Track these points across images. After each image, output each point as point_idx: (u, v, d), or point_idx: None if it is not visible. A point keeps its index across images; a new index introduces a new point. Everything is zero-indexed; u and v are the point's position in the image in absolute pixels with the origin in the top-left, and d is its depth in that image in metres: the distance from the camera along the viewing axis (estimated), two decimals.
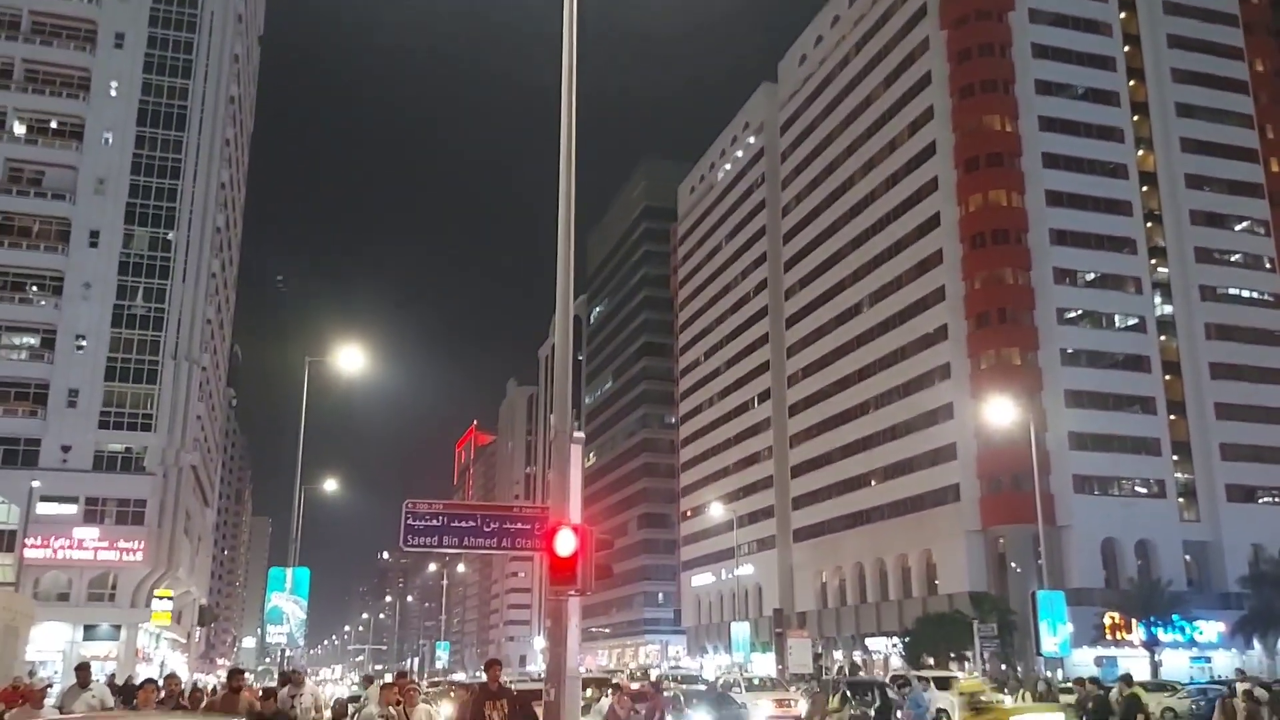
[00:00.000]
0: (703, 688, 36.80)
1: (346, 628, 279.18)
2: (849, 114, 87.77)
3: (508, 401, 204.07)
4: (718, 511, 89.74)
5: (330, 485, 45.24)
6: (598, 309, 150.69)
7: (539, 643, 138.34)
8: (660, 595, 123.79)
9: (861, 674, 61.30)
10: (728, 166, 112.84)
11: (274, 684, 23.85)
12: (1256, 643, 62.58)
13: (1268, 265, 75.25)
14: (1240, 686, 21.22)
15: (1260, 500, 70.83)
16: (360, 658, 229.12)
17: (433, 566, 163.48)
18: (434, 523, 12.30)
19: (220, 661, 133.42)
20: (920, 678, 35.18)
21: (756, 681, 43.82)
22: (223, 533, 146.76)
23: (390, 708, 12.16)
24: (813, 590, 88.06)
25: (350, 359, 29.18)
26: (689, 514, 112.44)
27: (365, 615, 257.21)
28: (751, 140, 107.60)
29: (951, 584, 69.19)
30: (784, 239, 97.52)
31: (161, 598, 62.32)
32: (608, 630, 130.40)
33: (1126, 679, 21.00)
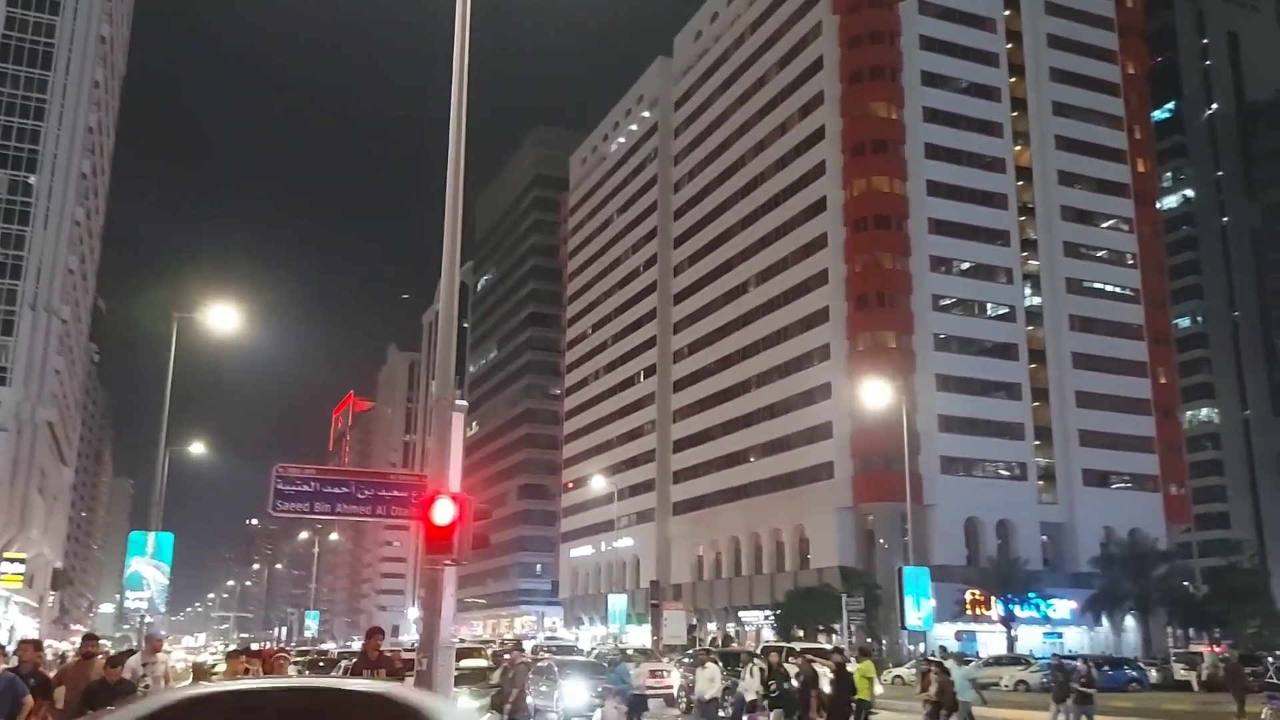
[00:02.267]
0: (580, 659, 36.93)
1: (211, 595, 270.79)
2: (742, 94, 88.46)
3: (388, 368, 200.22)
4: (599, 484, 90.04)
5: (198, 448, 43.53)
6: (485, 277, 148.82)
7: (412, 612, 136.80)
8: (538, 566, 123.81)
9: (734, 645, 62.52)
10: (621, 139, 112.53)
11: (124, 650, 22.83)
12: (1104, 620, 66.26)
13: (1129, 261, 79.16)
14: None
15: (1113, 485, 74.84)
16: (225, 625, 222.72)
17: (304, 534, 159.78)
18: (306, 488, 11.90)
19: (75, 627, 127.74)
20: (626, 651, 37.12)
21: (631, 653, 44.17)
22: (80, 494, 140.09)
23: (239, 677, 11.72)
24: (689, 563, 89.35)
25: (222, 317, 28.02)
26: (570, 486, 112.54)
27: (231, 582, 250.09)
28: (645, 114, 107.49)
29: (822, 559, 71.09)
30: (674, 215, 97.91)
31: (11, 560, 59.20)
32: (483, 601, 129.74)
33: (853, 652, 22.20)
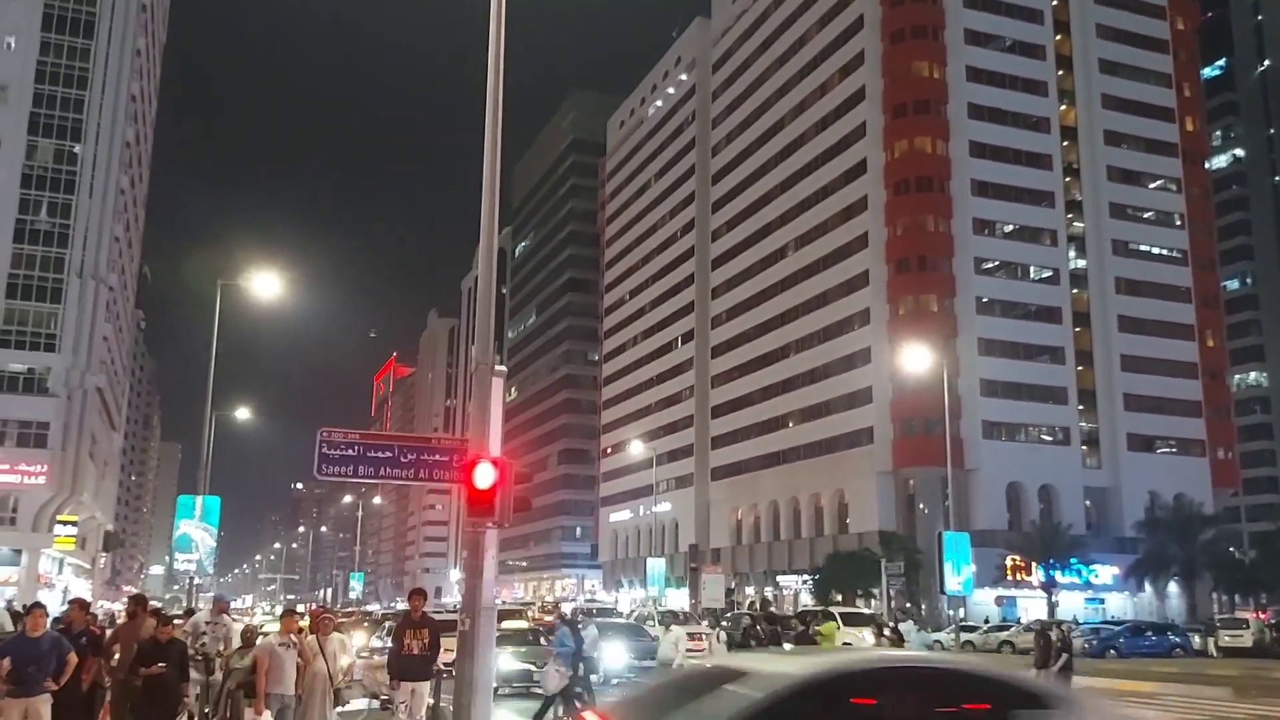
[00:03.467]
0: (620, 621, 37.30)
1: (258, 557, 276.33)
2: (781, 55, 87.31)
3: (428, 333, 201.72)
4: (638, 449, 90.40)
5: (243, 413, 44.28)
6: (523, 243, 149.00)
7: (455, 575, 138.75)
8: (578, 530, 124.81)
9: (772, 609, 62.84)
10: (659, 103, 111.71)
11: (186, 610, 23.38)
12: (1148, 586, 65.67)
13: (1177, 223, 77.55)
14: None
15: (1158, 450, 73.84)
16: (272, 587, 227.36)
17: (348, 497, 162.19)
18: (350, 452, 12.04)
19: (126, 589, 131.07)
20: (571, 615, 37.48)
21: (669, 615, 44.54)
22: (130, 458, 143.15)
23: (292, 635, 11.96)
24: (728, 527, 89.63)
25: (265, 284, 28.38)
26: (609, 451, 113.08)
27: (278, 545, 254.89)
28: (684, 77, 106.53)
29: (862, 523, 71.00)
30: (713, 179, 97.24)
31: (65, 523, 60.78)
32: (524, 564, 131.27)
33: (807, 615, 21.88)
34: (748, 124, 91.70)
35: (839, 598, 60.19)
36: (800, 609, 51.86)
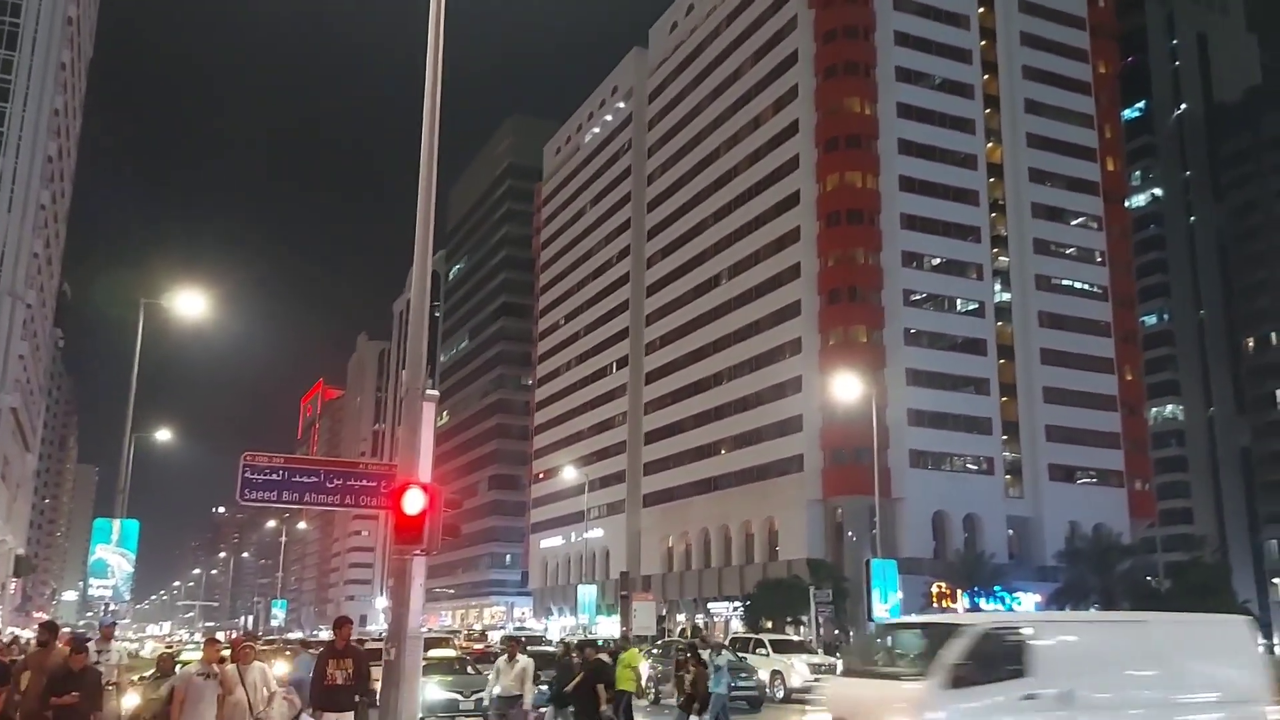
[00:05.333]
0: (552, 650, 36.90)
1: (177, 583, 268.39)
2: (716, 87, 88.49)
3: (357, 356, 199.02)
4: (570, 475, 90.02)
5: (164, 435, 43.07)
6: (457, 266, 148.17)
7: (380, 602, 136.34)
8: (508, 557, 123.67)
9: (703, 636, 62.80)
10: (595, 130, 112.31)
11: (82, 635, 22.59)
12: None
13: (1098, 260, 79.99)
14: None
15: (1078, 481, 75.69)
16: (190, 614, 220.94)
17: (271, 523, 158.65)
18: (274, 477, 11.85)
19: (37, 615, 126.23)
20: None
21: (601, 643, 44.24)
22: (44, 480, 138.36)
23: (213, 665, 11.66)
24: (659, 554, 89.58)
25: (189, 303, 27.72)
26: (541, 476, 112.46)
27: (197, 570, 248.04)
28: (620, 105, 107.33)
29: (792, 551, 71.49)
30: (648, 207, 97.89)
31: None
32: (452, 591, 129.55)
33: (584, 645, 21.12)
34: (683, 153, 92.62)
35: (769, 625, 60.41)
36: (731, 636, 51.92)
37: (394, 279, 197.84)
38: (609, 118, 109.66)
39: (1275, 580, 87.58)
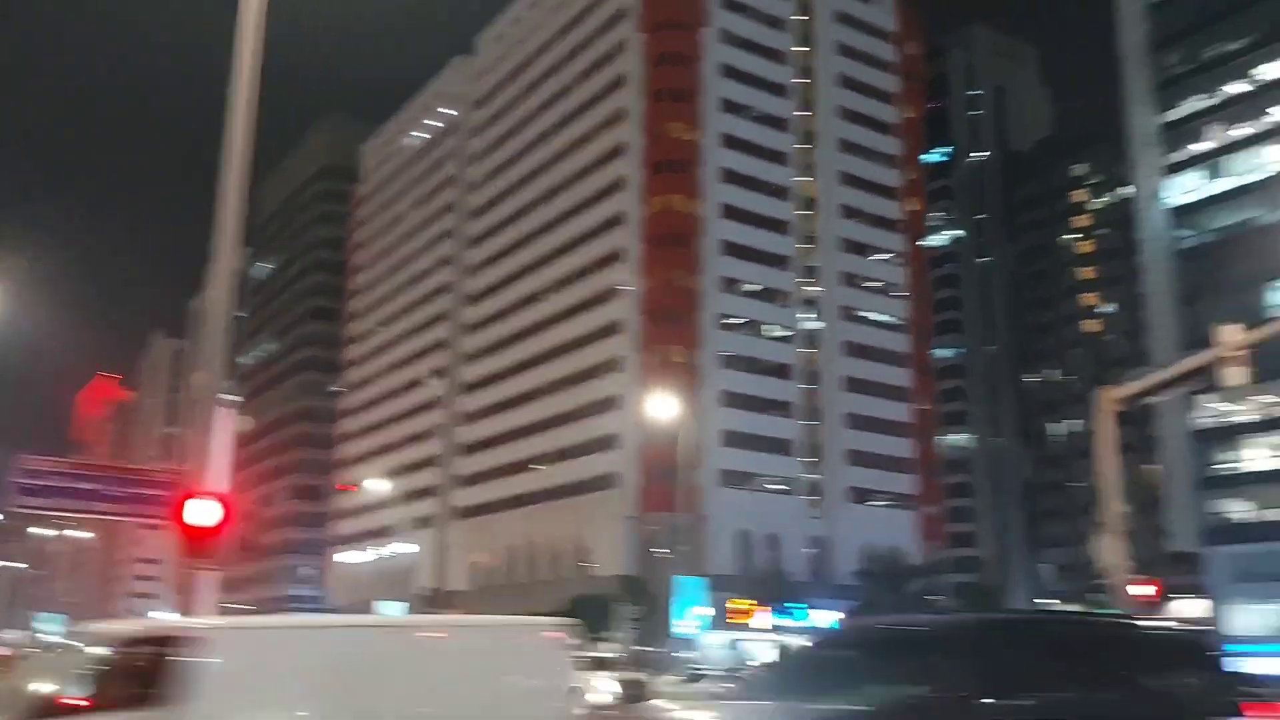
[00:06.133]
0: None
1: None
2: (545, 101, 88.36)
3: (151, 355, 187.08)
4: (377, 487, 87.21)
5: None
6: (264, 266, 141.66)
7: (166, 618, 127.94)
8: (307, 571, 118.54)
9: None
10: (417, 135, 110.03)
11: None
12: None
13: (898, 293, 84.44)
14: None
15: (872, 503, 79.31)
16: None
17: (37, 530, 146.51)
18: (52, 483, 10.74)
19: None
20: None
21: None
22: None
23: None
24: (468, 571, 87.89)
25: None
26: (344, 488, 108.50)
27: None
28: (444, 111, 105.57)
29: (604, 568, 71.62)
30: (471, 216, 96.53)
31: None
32: (250, 607, 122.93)
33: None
34: (509, 164, 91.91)
35: (578, 642, 60.15)
36: None
37: (194, 275, 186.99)
38: (433, 123, 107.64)
39: (1046, 603, 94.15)
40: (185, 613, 9.68)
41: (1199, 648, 9.11)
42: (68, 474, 11.03)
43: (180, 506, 9.56)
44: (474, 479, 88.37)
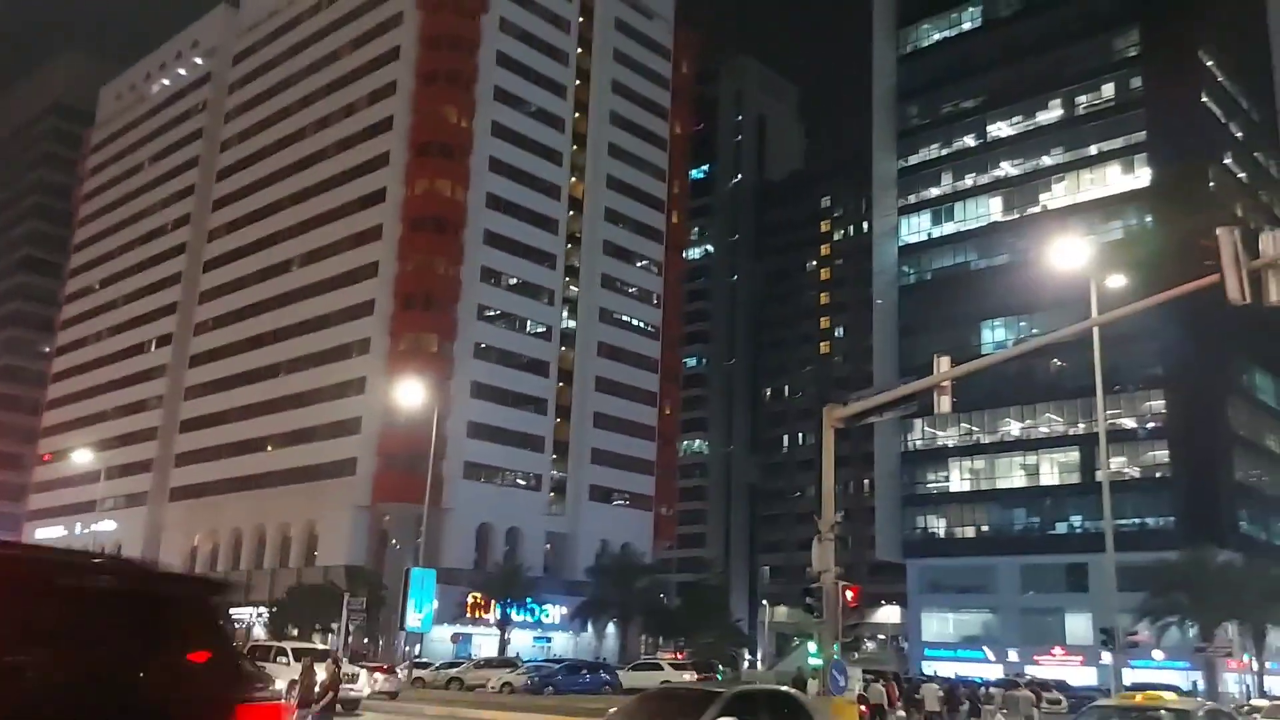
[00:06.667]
0: None
1: None
2: (310, 64, 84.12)
3: None
4: (85, 459, 79.75)
5: None
6: None
7: None
8: None
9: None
10: (166, 82, 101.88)
11: None
12: (590, 626, 71.13)
13: (655, 301, 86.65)
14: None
15: (614, 502, 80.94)
16: None
17: None
18: None
19: None
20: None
21: None
22: None
23: None
24: (182, 553, 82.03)
25: None
26: (48, 458, 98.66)
27: None
28: (199, 61, 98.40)
29: (332, 556, 68.94)
30: (217, 176, 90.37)
31: None
32: None
33: None
34: (265, 125, 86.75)
35: (295, 632, 57.56)
36: (251, 643, 48.66)
37: None
38: (183, 71, 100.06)
39: (762, 603, 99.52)
40: None
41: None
42: None
43: None
44: (196, 456, 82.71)
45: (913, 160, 78.56)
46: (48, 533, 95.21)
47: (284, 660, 34.64)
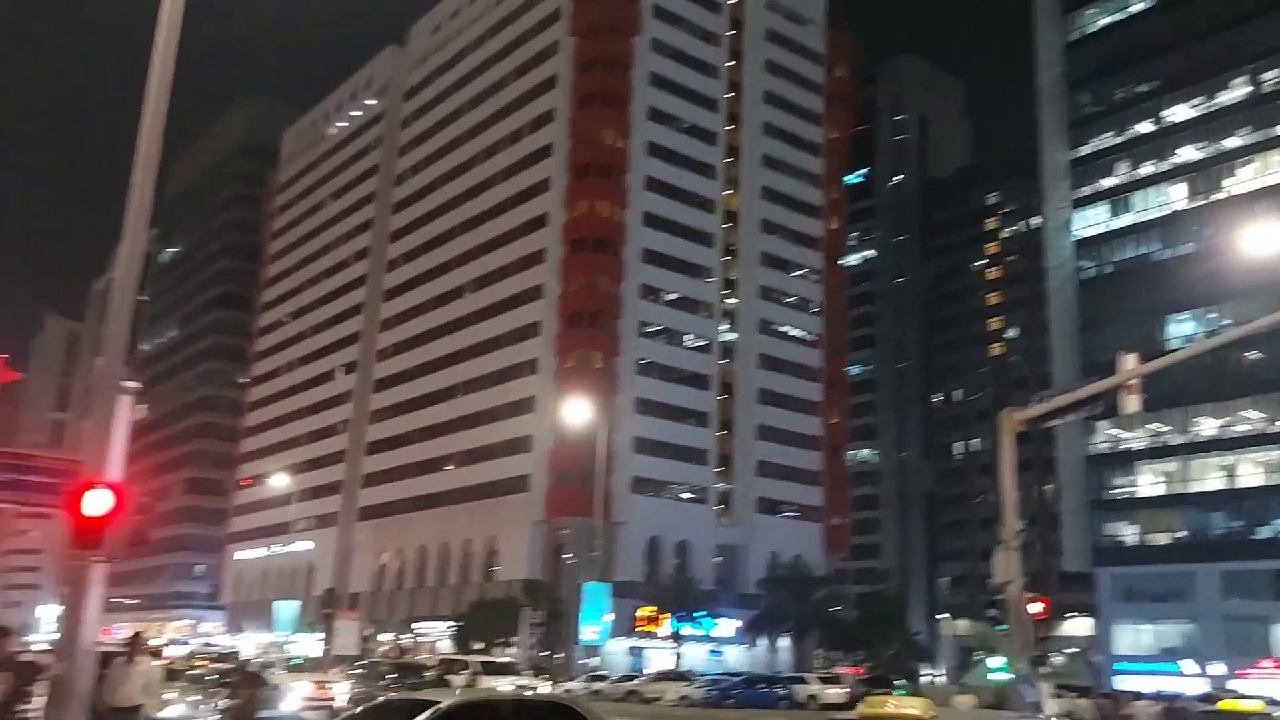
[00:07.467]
0: (230, 666, 34.37)
1: None
2: (475, 96, 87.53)
3: (44, 336, 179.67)
4: (279, 482, 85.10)
5: None
6: (171, 248, 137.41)
7: (47, 610, 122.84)
8: (199, 567, 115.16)
9: (407, 657, 60.93)
10: (343, 122, 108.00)
11: None
12: (764, 640, 70.69)
13: (814, 309, 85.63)
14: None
15: (781, 514, 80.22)
16: None
17: None
18: None
19: None
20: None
21: (298, 662, 41.88)
22: None
23: None
24: (370, 571, 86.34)
25: None
26: (246, 483, 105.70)
27: None
28: (372, 101, 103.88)
29: (511, 571, 71.01)
30: (394, 209, 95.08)
31: None
32: (134, 601, 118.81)
33: None
34: (434, 158, 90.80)
35: (479, 646, 59.55)
36: (440, 657, 50.69)
37: (96, 253, 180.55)
38: (359, 111, 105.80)
39: (942, 615, 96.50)
40: (71, 606, 9.26)
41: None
42: None
43: (74, 495, 9.13)
44: (382, 477, 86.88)
45: (1085, 150, 74.83)
46: (248, 554, 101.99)
47: (466, 673, 36.00)
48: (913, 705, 30.66)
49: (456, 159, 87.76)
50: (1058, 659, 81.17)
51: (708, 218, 79.61)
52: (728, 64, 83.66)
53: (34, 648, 40.39)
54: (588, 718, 11.45)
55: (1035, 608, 19.83)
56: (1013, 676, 18.39)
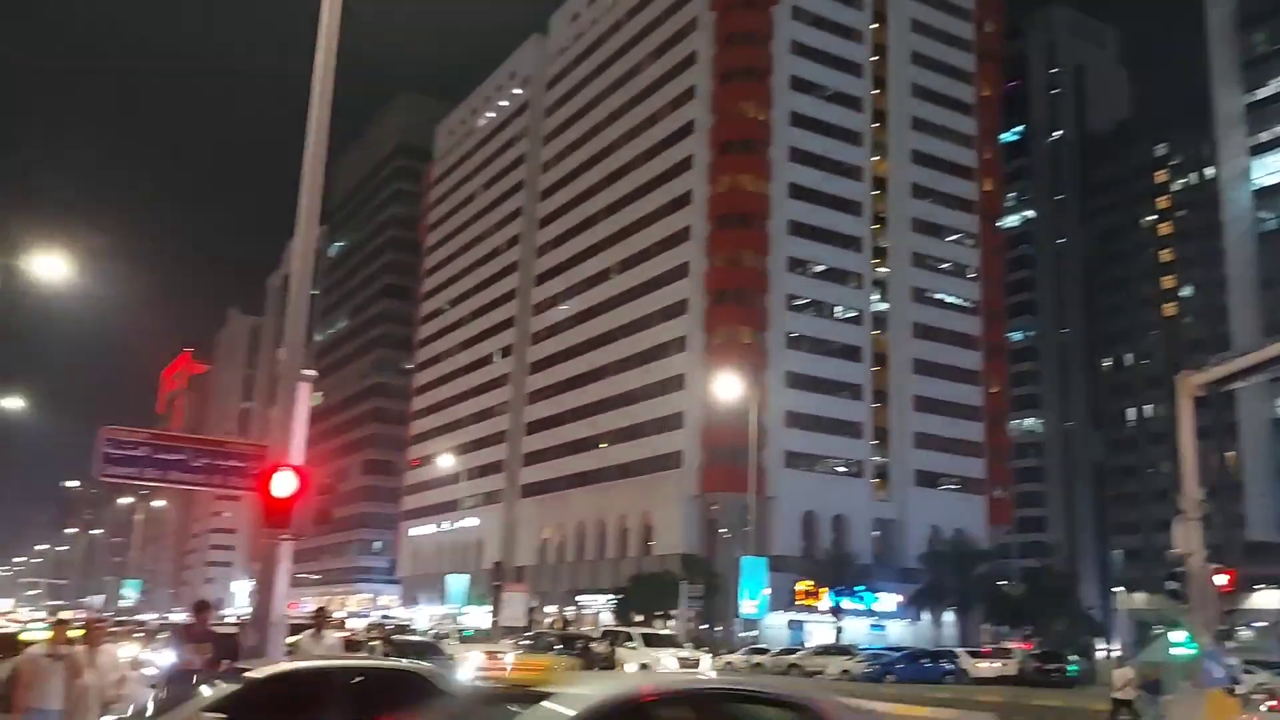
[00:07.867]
0: (415, 638, 36.31)
1: (20, 559, 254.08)
2: (615, 80, 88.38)
3: (228, 331, 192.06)
4: (446, 462, 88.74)
5: (15, 403, 40.68)
6: (339, 243, 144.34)
7: (240, 586, 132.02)
8: (377, 544, 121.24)
9: (571, 629, 62.77)
10: (491, 114, 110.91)
11: None
12: (927, 614, 69.46)
13: (971, 275, 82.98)
14: None
15: (941, 487, 78.41)
16: (35, 592, 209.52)
17: (126, 499, 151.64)
18: (136, 453, 11.29)
19: None
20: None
21: (469, 634, 43.83)
22: None
23: (60, 646, 10.98)
24: (534, 546, 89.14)
25: (47, 265, 26.09)
26: (417, 463, 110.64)
27: (45, 546, 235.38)
28: (517, 91, 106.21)
29: (666, 546, 72.06)
30: (541, 195, 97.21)
31: None
32: (318, 576, 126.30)
33: None
34: (579, 144, 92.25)
35: (639, 618, 60.75)
36: (602, 629, 52.08)
37: (271, 251, 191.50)
38: (505, 103, 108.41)
39: (1115, 590, 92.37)
40: (263, 582, 10.18)
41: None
42: (152, 445, 11.55)
43: (263, 478, 10.02)
44: (540, 456, 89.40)
45: (1262, 93, 69.79)
46: (421, 530, 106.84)
47: (631, 645, 36.90)
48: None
49: (600, 143, 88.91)
50: (1245, 633, 76.68)
51: (855, 186, 78.15)
52: (871, 26, 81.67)
53: (229, 620, 43.72)
54: (438, 685, 9.14)
55: (1221, 580, 18.96)
56: (1196, 652, 17.66)
